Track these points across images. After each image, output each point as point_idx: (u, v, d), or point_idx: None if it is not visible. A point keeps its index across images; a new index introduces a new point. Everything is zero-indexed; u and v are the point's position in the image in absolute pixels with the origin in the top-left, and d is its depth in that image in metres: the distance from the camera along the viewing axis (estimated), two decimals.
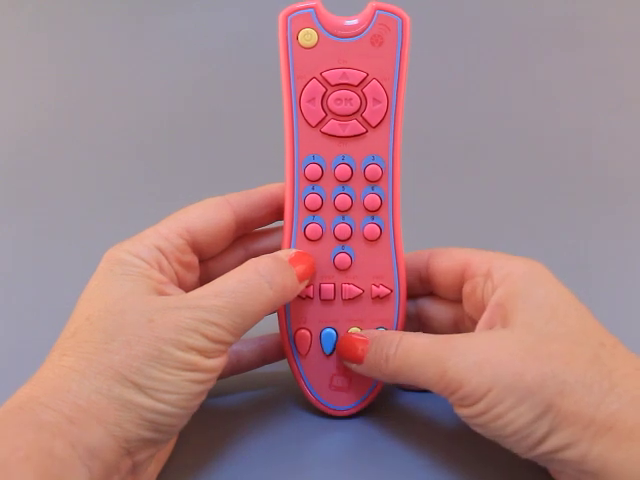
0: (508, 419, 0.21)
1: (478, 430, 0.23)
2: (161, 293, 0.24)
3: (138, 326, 0.22)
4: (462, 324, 0.28)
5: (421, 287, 0.29)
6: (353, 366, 0.26)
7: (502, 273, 0.25)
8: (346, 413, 0.28)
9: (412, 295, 0.29)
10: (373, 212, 0.27)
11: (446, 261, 0.28)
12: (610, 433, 0.20)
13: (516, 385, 0.21)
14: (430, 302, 0.29)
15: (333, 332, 0.28)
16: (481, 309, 0.25)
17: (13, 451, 0.18)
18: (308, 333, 0.28)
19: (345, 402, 0.28)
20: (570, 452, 0.20)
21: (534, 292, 0.24)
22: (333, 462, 0.26)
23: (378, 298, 0.28)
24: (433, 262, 0.28)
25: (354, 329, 0.28)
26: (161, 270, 0.25)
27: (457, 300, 0.28)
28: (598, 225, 0.49)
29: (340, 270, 0.27)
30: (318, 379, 0.28)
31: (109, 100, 0.62)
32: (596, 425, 0.20)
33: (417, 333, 0.25)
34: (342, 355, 0.27)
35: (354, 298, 0.28)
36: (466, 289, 0.27)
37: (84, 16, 0.65)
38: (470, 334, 0.25)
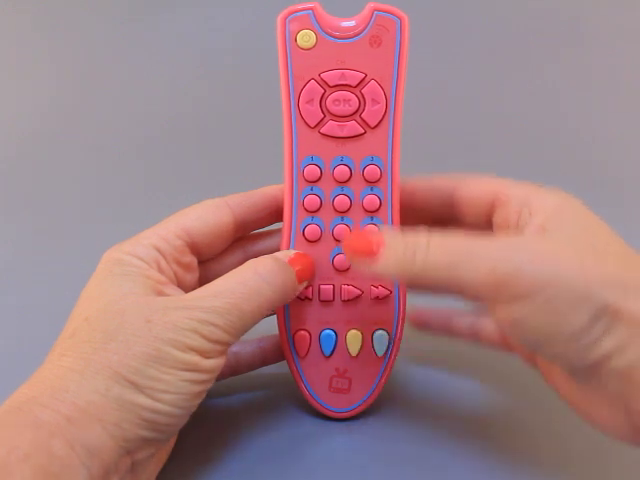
0: (566, 316, 0.20)
1: (523, 337, 0.21)
2: (160, 293, 0.24)
3: (137, 326, 0.22)
4: None
5: (441, 211, 0.28)
6: (363, 266, 0.23)
7: (542, 202, 0.24)
8: (345, 415, 0.28)
9: (436, 222, 0.28)
10: (372, 213, 0.27)
11: (475, 188, 0.26)
12: None
13: (578, 281, 0.20)
14: None
15: (332, 333, 0.28)
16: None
17: (12, 450, 0.18)
18: (307, 334, 0.28)
19: (344, 404, 0.28)
20: (625, 355, 0.20)
21: (579, 217, 0.23)
22: (332, 464, 0.26)
23: (377, 299, 0.27)
24: (460, 189, 0.27)
25: (354, 330, 0.28)
26: (160, 271, 0.25)
27: (484, 229, 0.26)
28: None
29: (339, 271, 0.27)
30: (317, 381, 0.28)
31: (109, 100, 0.62)
32: None
33: (445, 233, 0.23)
34: (351, 248, 0.24)
35: (353, 299, 0.27)
36: (497, 219, 0.26)
37: (84, 16, 0.65)
38: (515, 236, 0.23)
